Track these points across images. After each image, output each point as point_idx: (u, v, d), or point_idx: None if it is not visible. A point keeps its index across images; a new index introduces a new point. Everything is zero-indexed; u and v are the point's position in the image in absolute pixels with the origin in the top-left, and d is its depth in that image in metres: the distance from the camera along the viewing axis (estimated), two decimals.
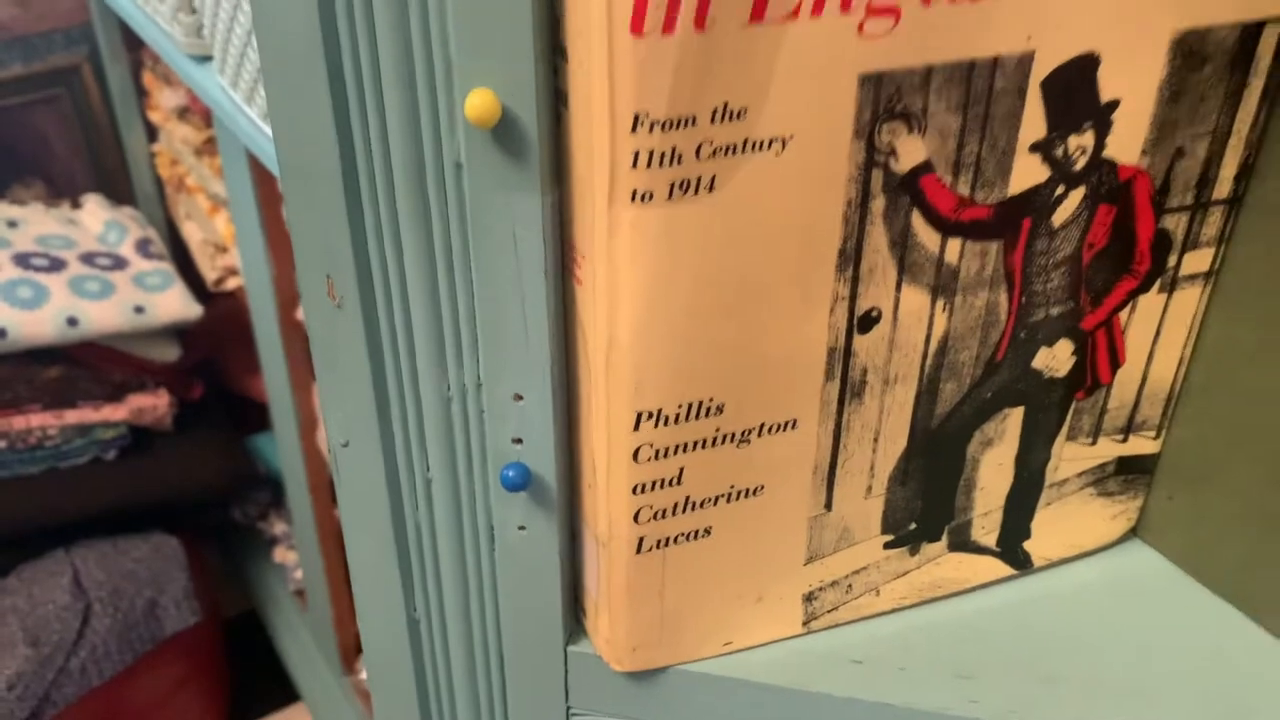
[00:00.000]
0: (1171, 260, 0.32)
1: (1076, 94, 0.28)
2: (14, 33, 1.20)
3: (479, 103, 0.24)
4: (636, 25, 0.23)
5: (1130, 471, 0.36)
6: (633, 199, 0.25)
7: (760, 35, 0.24)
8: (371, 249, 0.28)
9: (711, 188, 0.25)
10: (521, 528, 0.31)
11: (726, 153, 0.25)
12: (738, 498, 0.31)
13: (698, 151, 0.25)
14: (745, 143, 0.25)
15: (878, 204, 0.27)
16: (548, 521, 0.31)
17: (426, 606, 0.33)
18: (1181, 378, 0.34)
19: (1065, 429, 0.34)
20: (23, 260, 1.07)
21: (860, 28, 0.25)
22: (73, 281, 1.05)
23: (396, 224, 0.27)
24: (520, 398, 0.29)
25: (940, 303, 0.29)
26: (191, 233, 1.15)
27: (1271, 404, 0.32)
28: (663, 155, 0.24)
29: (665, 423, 0.28)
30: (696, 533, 0.31)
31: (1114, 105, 0.28)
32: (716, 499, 0.30)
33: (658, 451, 0.29)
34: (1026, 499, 0.35)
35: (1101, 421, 0.34)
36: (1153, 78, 0.28)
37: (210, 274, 1.11)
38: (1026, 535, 0.35)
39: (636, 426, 0.28)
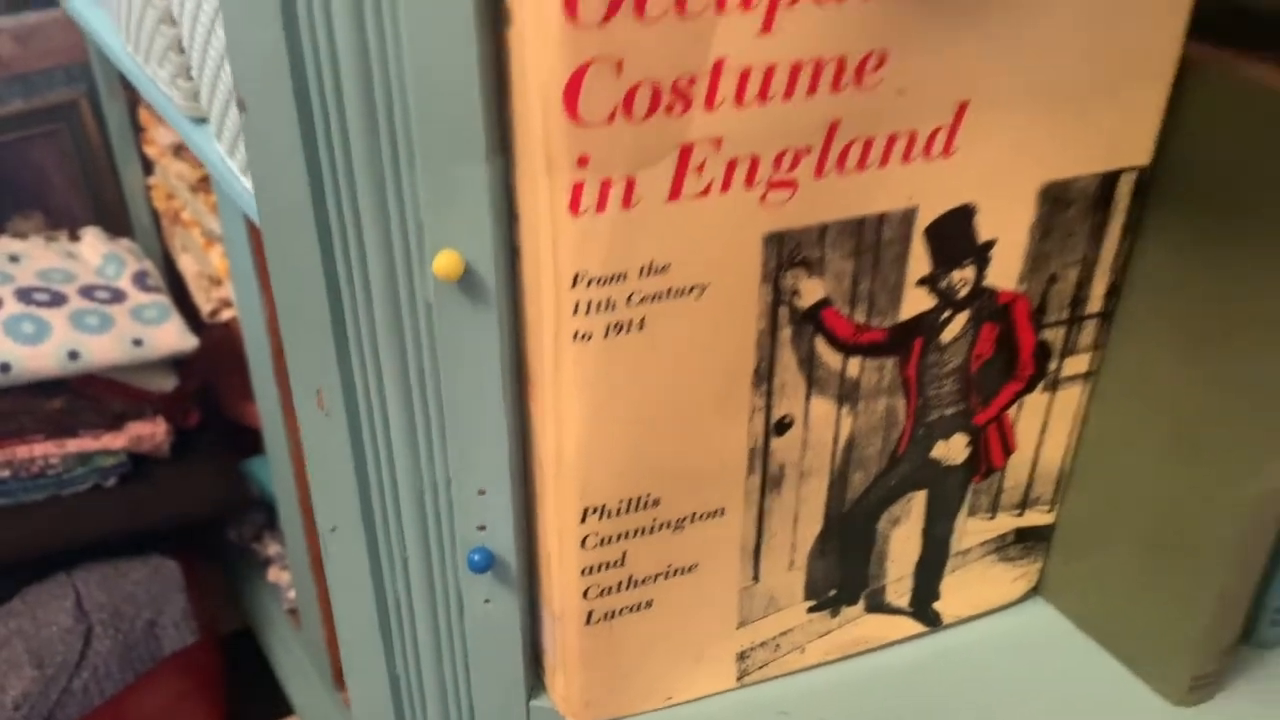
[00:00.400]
0: (1053, 365, 0.36)
1: (956, 238, 0.32)
2: (14, 70, 1.25)
3: (445, 262, 0.29)
4: (574, 207, 0.27)
5: (1029, 540, 0.41)
6: (574, 338, 0.29)
7: (678, 209, 0.28)
8: (355, 369, 0.33)
9: (641, 327, 0.30)
10: (487, 601, 0.36)
11: (653, 299, 0.30)
12: (675, 574, 0.35)
13: (628, 299, 0.29)
14: (669, 290, 0.30)
15: (786, 333, 0.32)
16: (510, 596, 0.35)
17: (405, 666, 0.38)
18: (1070, 460, 0.39)
19: (966, 506, 0.38)
20: (25, 295, 1.11)
21: (763, 199, 0.29)
22: (73, 316, 1.09)
23: (376, 349, 0.32)
24: (484, 492, 0.33)
25: (845, 408, 0.34)
26: (187, 265, 1.19)
27: (1143, 482, 0.37)
28: (599, 304, 0.29)
29: (608, 516, 0.33)
30: (639, 605, 0.35)
31: (991, 244, 0.33)
32: (656, 576, 0.35)
33: (602, 539, 0.33)
34: (934, 566, 0.39)
35: (999, 499, 0.39)
36: (1024, 221, 0.33)
37: (205, 305, 1.16)
38: (936, 597, 0.40)
39: (583, 520, 0.33)
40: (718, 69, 0.27)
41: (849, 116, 0.29)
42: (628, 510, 0.33)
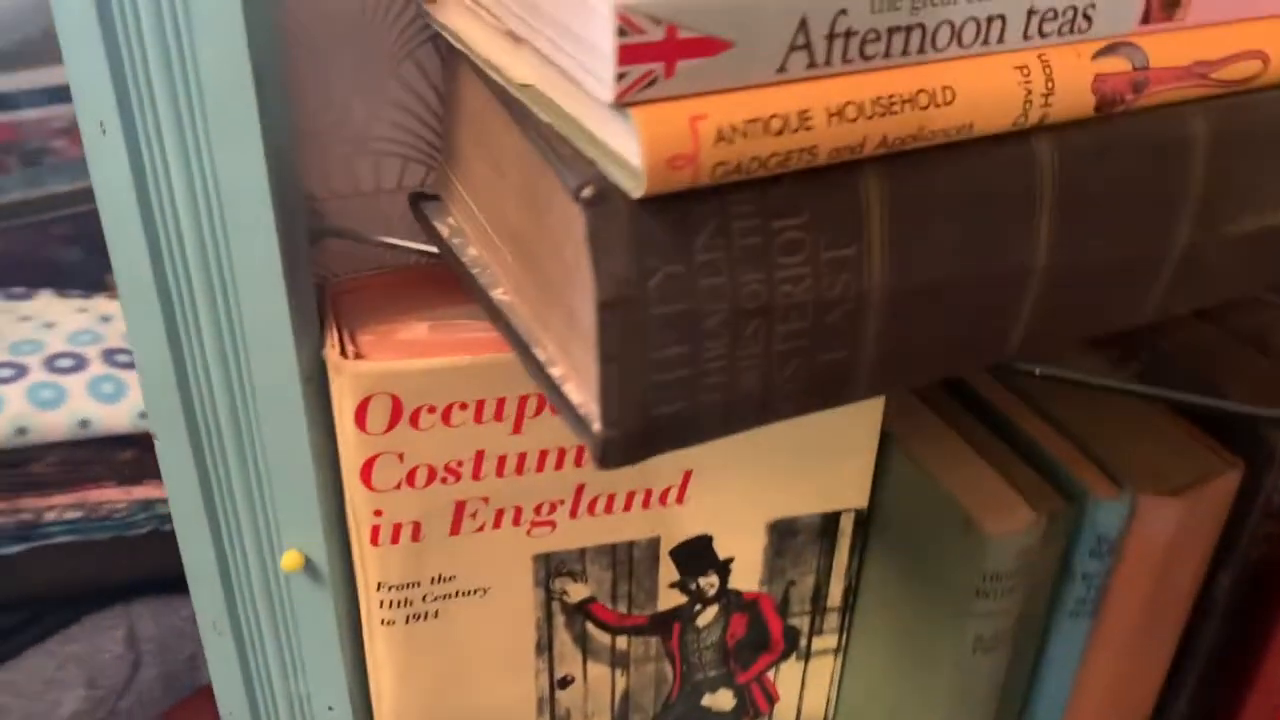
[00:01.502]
0: (803, 642, 0.45)
1: (699, 556, 0.41)
2: None
3: (289, 559, 0.39)
4: (374, 539, 0.37)
5: None
6: (382, 623, 0.39)
7: (458, 539, 0.38)
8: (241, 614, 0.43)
9: (436, 616, 0.40)
10: None
11: (444, 598, 0.39)
12: None
13: (423, 599, 0.39)
14: (456, 592, 0.39)
15: (559, 619, 0.41)
16: None
17: None
18: (833, 708, 0.47)
19: None
20: (109, 357, 1.26)
21: (529, 532, 0.39)
22: None
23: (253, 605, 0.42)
24: (332, 709, 0.43)
25: (619, 670, 0.43)
26: None
27: None
28: (398, 602, 0.39)
29: None
30: None
31: (730, 560, 0.42)
32: None
33: None
34: None
35: None
36: (757, 546, 0.41)
37: None
38: None
39: None
40: (479, 456, 0.36)
41: (592, 481, 0.38)
42: None
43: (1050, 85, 0.26)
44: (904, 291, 0.26)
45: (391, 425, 0.35)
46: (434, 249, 0.35)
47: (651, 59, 0.22)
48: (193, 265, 0.35)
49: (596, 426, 0.25)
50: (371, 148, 0.37)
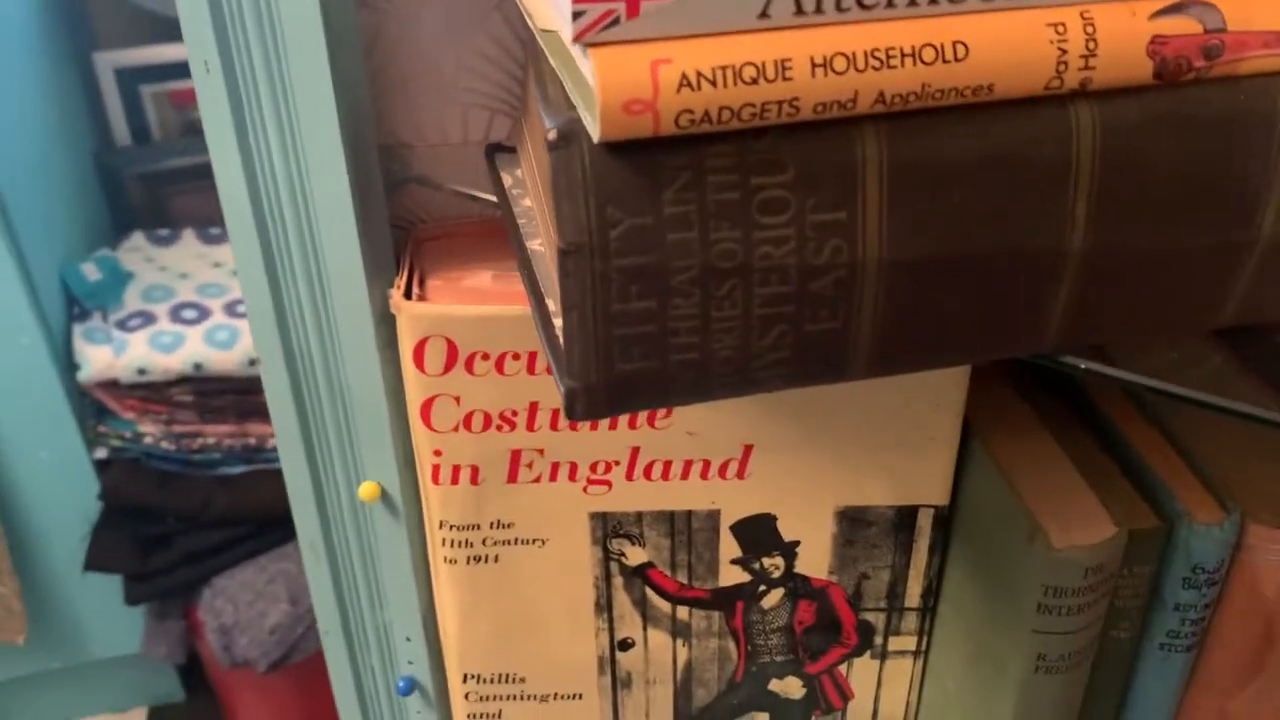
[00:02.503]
0: (878, 639, 0.43)
1: (762, 535, 0.40)
2: None
3: (366, 489, 0.41)
4: (435, 477, 0.38)
5: None
6: (444, 561, 0.40)
7: (516, 488, 0.39)
8: (334, 539, 0.45)
9: (496, 561, 0.40)
10: (418, 712, 0.47)
11: (503, 544, 0.40)
12: None
13: (483, 542, 0.40)
14: (515, 540, 0.40)
15: (618, 580, 0.41)
16: (430, 713, 0.47)
17: None
18: (913, 713, 0.45)
19: None
20: (231, 308, 1.30)
21: (584, 489, 0.39)
22: None
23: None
24: (409, 639, 0.45)
25: (680, 641, 0.43)
26: None
27: None
28: (459, 542, 0.40)
29: (482, 681, 0.44)
30: None
31: (796, 543, 0.40)
32: None
33: (480, 697, 0.44)
34: None
35: None
36: (825, 531, 0.40)
37: None
38: None
39: (464, 681, 0.44)
40: (534, 408, 0.37)
41: (646, 445, 0.38)
42: (498, 681, 0.44)
43: (1092, 46, 0.23)
44: (906, 264, 0.24)
45: (448, 368, 0.36)
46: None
47: None
48: (285, 201, 0.37)
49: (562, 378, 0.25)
50: (460, 99, 0.38)
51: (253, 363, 1.28)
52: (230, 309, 1.26)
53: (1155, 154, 0.25)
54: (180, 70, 1.35)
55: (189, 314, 1.29)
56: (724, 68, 0.22)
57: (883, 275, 0.24)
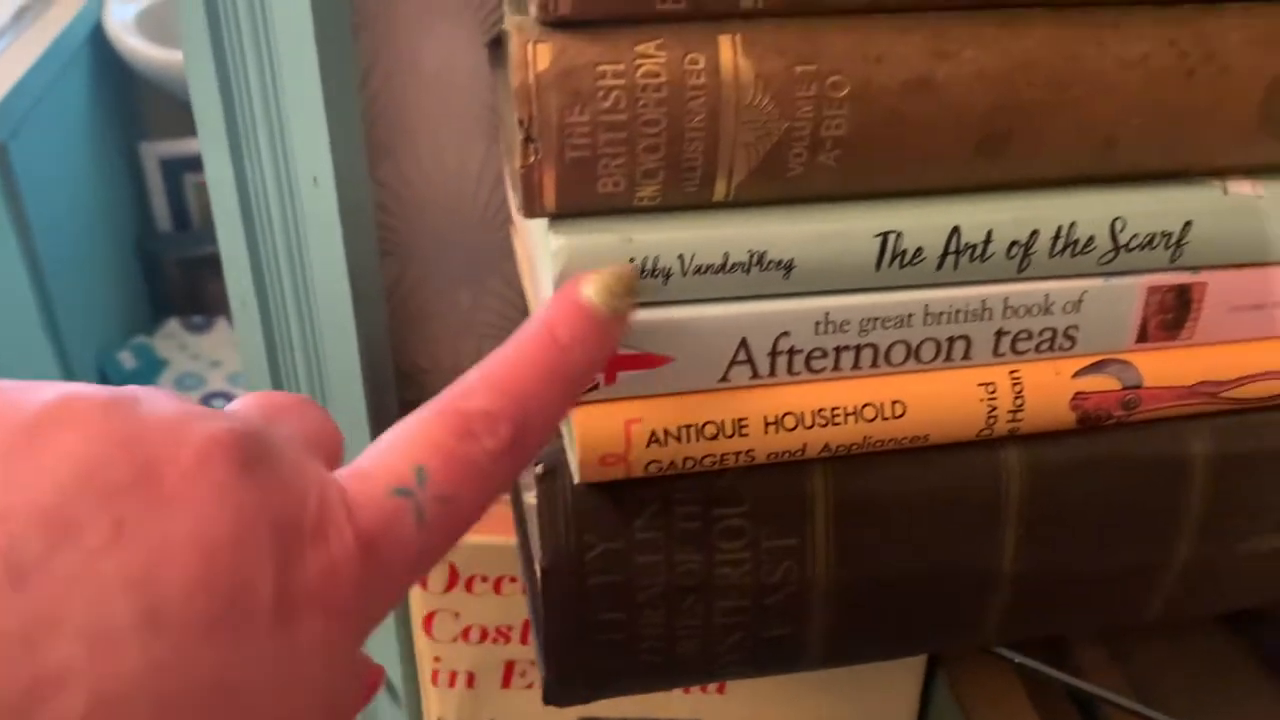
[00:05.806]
0: None
1: None
2: None
3: None
4: (434, 680, 0.41)
5: None
6: None
7: (509, 693, 0.41)
8: None
9: None
10: None
11: None
12: None
13: None
14: None
15: None
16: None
17: None
18: None
19: None
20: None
21: None
22: None
23: None
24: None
25: None
26: None
27: None
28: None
29: None
30: None
31: None
32: None
33: None
34: None
35: None
36: None
37: None
38: None
39: None
40: (527, 624, 0.40)
41: None
42: None
43: (1020, 402, 0.26)
44: (852, 581, 0.27)
45: (449, 587, 0.39)
46: None
47: None
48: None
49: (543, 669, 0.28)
50: (476, 330, 0.41)
51: None
52: None
53: (1077, 490, 0.28)
54: None
55: (218, 404, 1.33)
56: (688, 426, 0.25)
57: (830, 591, 0.27)
